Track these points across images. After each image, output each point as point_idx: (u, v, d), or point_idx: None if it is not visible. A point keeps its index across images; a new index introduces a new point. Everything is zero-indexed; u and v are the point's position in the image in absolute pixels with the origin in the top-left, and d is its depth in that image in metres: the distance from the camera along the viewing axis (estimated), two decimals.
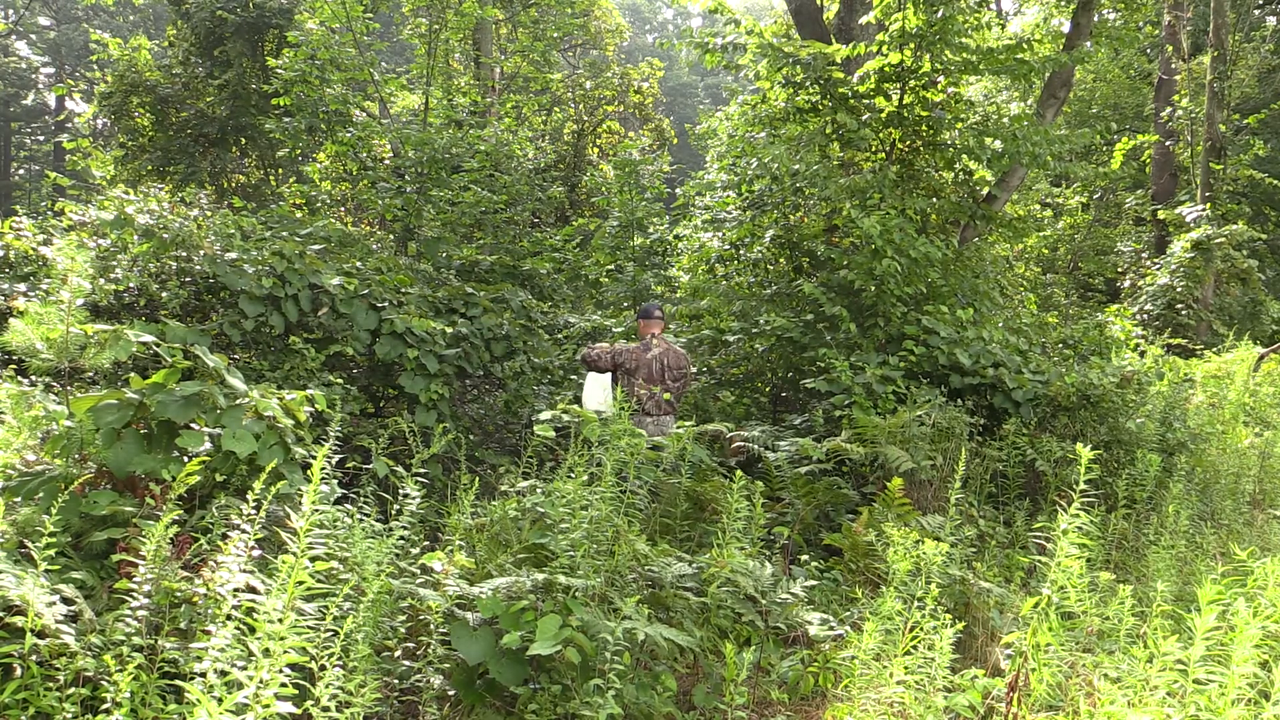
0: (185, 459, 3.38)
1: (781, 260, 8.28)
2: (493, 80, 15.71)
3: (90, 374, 4.71)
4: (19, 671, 2.54)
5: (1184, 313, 14.97)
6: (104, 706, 2.49)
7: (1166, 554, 4.74)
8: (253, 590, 2.68)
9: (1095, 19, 9.60)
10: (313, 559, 2.45)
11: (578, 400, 6.83)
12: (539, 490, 4.58)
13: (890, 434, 5.76)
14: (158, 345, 3.77)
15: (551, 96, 17.80)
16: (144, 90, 15.76)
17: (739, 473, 4.60)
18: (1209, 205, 16.10)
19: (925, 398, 6.31)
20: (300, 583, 2.33)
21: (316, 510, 2.41)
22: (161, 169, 15.74)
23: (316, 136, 10.47)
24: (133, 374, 4.19)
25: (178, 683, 2.69)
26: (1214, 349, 12.86)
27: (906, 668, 3.07)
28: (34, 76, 41.08)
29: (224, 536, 3.19)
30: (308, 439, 3.98)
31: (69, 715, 2.53)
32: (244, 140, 16.34)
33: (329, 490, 3.84)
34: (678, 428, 5.51)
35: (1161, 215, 17.14)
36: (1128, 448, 6.37)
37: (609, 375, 6.64)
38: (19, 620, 2.56)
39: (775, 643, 4.02)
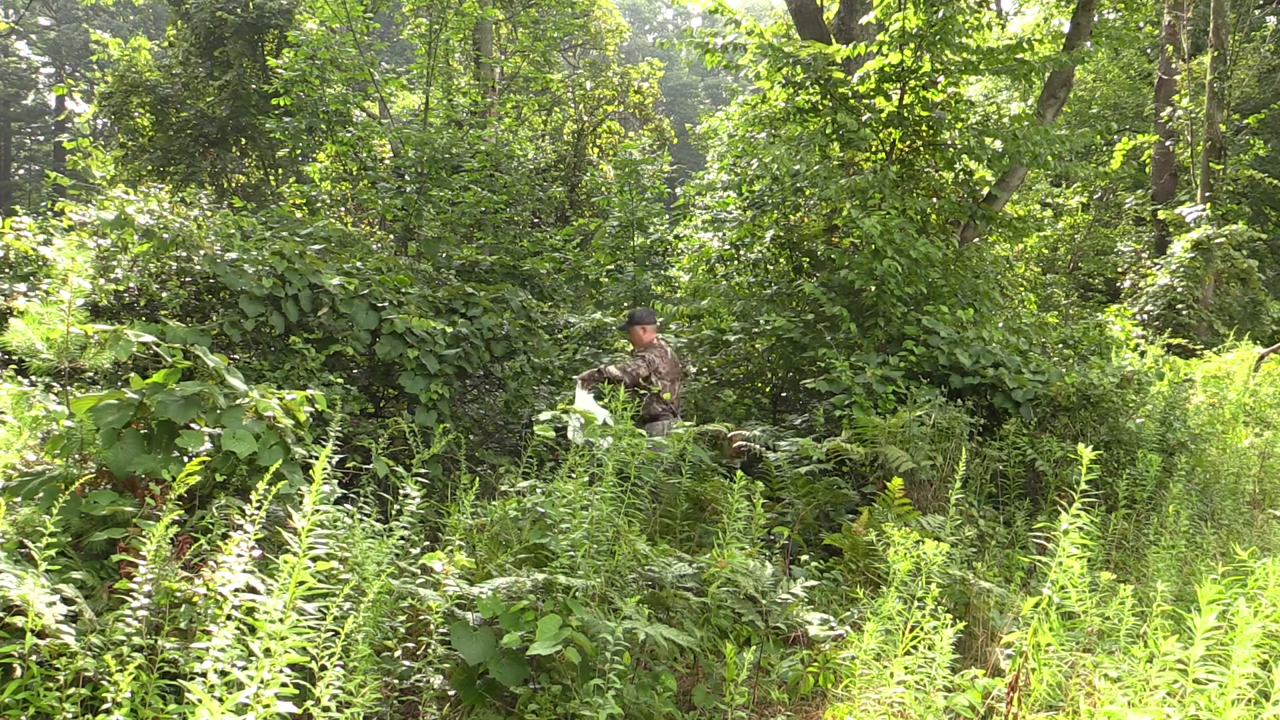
0: (185, 459, 3.38)
1: (781, 260, 8.28)
2: (493, 80, 15.72)
3: (90, 374, 4.71)
4: (19, 671, 2.54)
5: (1184, 313, 14.96)
6: (104, 706, 2.49)
7: (1167, 554, 4.74)
8: (253, 590, 2.67)
9: (1095, 19, 9.60)
10: (313, 559, 2.45)
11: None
12: (539, 490, 4.58)
13: (890, 434, 5.76)
14: (158, 345, 3.77)
15: (551, 96, 17.81)
16: (144, 90, 15.77)
17: (739, 473, 4.60)
18: (1209, 205, 16.09)
19: (925, 398, 6.31)
20: (301, 583, 2.33)
21: (317, 510, 2.41)
22: (161, 169, 15.74)
23: (316, 136, 10.47)
24: (133, 374, 4.19)
25: (178, 683, 2.69)
26: (1214, 349, 12.86)
27: (907, 668, 3.07)
28: (34, 76, 41.09)
29: (224, 536, 3.19)
30: (308, 439, 3.98)
31: (69, 715, 2.53)
32: (244, 140, 16.34)
33: (329, 490, 3.84)
34: (679, 428, 5.51)
35: (1161, 215, 17.14)
36: (1128, 448, 6.37)
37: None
38: (19, 620, 2.56)
39: (775, 643, 4.02)
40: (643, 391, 6.57)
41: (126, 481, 3.46)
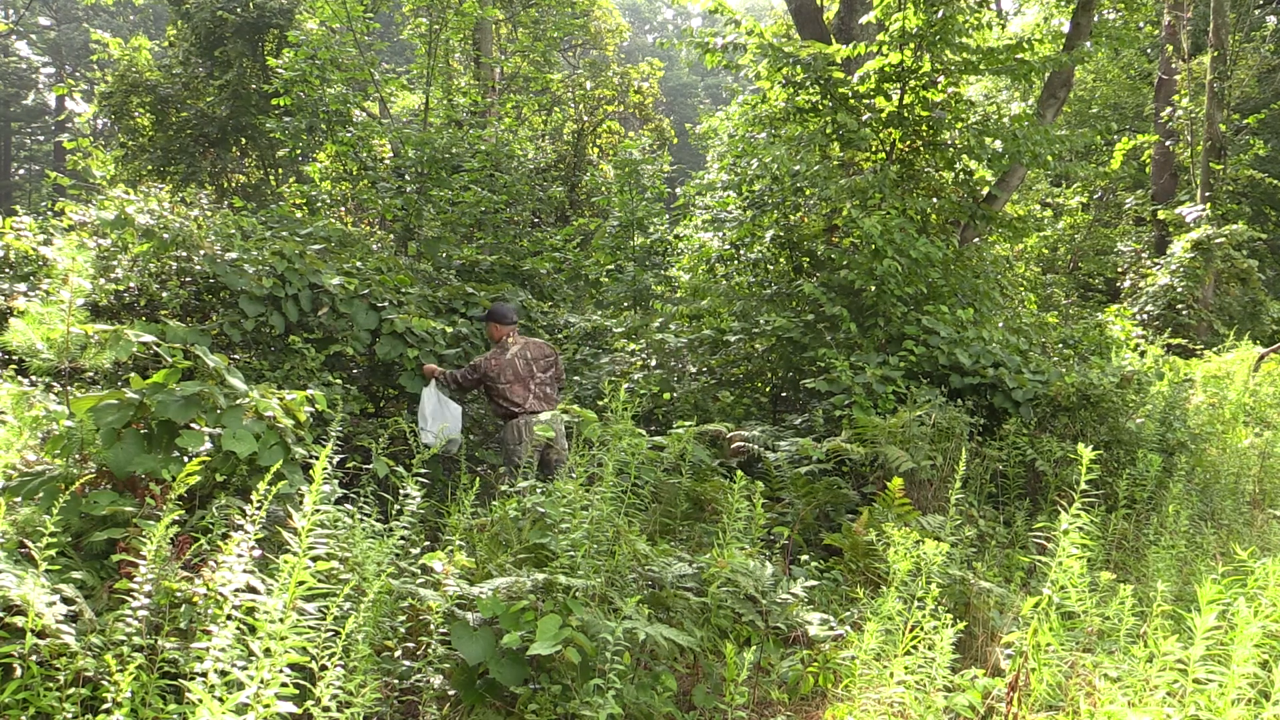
0: (185, 459, 3.38)
1: (781, 260, 8.28)
2: (493, 80, 15.71)
3: (90, 374, 4.71)
4: (19, 671, 2.54)
5: (1184, 313, 14.96)
6: (104, 706, 2.49)
7: (1166, 554, 4.74)
8: (253, 590, 2.67)
9: (1095, 19, 9.59)
10: (313, 559, 2.45)
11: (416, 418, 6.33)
12: (539, 490, 4.58)
13: (890, 434, 5.76)
14: (158, 345, 3.77)
15: (551, 96, 17.80)
16: (144, 90, 15.76)
17: (739, 473, 4.60)
18: (1209, 205, 16.09)
19: (925, 398, 6.31)
20: (301, 583, 2.33)
21: (317, 510, 2.41)
22: (161, 169, 15.74)
23: (316, 136, 10.47)
24: (133, 374, 4.19)
25: (178, 683, 2.69)
26: (1214, 349, 12.86)
27: (907, 668, 3.07)
28: (34, 76, 41.07)
29: (224, 536, 3.19)
30: (308, 439, 3.98)
31: (69, 715, 2.53)
32: (244, 140, 16.34)
33: (329, 490, 3.84)
34: (679, 428, 5.50)
35: (1161, 215, 17.14)
36: (1128, 448, 6.37)
37: (445, 401, 6.22)
38: (19, 620, 2.56)
39: (775, 643, 4.02)
40: (494, 395, 6.33)
41: (126, 481, 3.46)
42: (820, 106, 8.15)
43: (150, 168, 15.73)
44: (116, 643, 2.66)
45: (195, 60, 16.33)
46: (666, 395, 7.92)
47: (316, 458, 2.54)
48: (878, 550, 4.39)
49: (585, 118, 18.92)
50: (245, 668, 2.34)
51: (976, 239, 8.91)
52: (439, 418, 6.07)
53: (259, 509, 2.69)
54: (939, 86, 7.97)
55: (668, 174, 13.73)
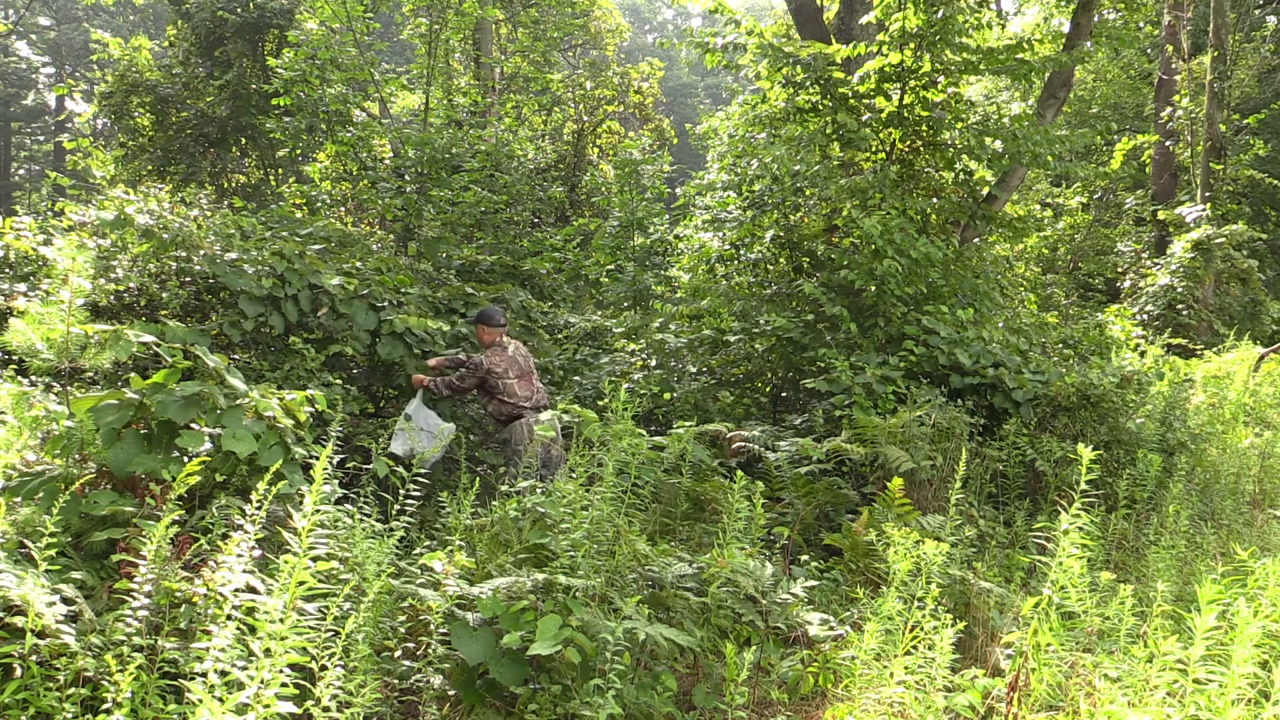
0: (185, 459, 3.38)
1: (781, 260, 8.28)
2: (493, 80, 15.71)
3: (90, 374, 4.71)
4: (19, 671, 2.54)
5: (1184, 313, 14.96)
6: (104, 706, 2.49)
7: (1166, 554, 4.74)
8: (253, 590, 2.67)
9: (1095, 19, 9.59)
10: (313, 559, 2.45)
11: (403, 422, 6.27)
12: (539, 490, 4.58)
13: (890, 434, 5.76)
14: (158, 345, 3.77)
15: (551, 96, 17.80)
16: (144, 90, 15.76)
17: (739, 473, 4.60)
18: (1209, 205, 16.09)
19: (925, 398, 6.30)
20: (301, 583, 2.33)
21: (317, 510, 2.41)
22: (161, 169, 15.74)
23: (316, 136, 10.47)
24: (133, 374, 4.19)
25: (178, 683, 2.69)
26: (1214, 349, 12.86)
27: (907, 668, 3.07)
28: (34, 76, 41.07)
29: (224, 536, 3.19)
30: (308, 439, 3.98)
31: (69, 715, 2.53)
32: (244, 140, 16.34)
33: (329, 490, 3.84)
34: (679, 428, 5.50)
35: (1161, 215, 17.14)
36: (1128, 448, 6.37)
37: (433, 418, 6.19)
38: (19, 620, 2.55)
39: (775, 643, 4.02)
40: (498, 394, 6.36)
41: (126, 481, 3.46)
42: (820, 106, 8.15)
43: (150, 168, 15.73)
44: (116, 643, 2.66)
45: (195, 60, 16.33)
46: (666, 395, 7.92)
47: (316, 458, 2.54)
48: (878, 550, 4.39)
49: (585, 118, 18.92)
50: (245, 668, 2.34)
51: (976, 239, 8.91)
52: (418, 435, 5.95)
53: (259, 509, 2.69)
54: (939, 86, 7.97)
55: (668, 174, 13.73)
